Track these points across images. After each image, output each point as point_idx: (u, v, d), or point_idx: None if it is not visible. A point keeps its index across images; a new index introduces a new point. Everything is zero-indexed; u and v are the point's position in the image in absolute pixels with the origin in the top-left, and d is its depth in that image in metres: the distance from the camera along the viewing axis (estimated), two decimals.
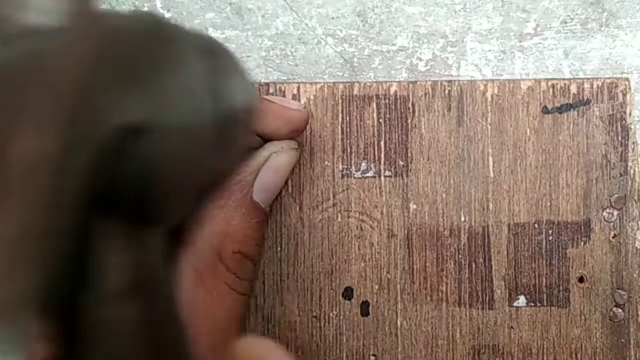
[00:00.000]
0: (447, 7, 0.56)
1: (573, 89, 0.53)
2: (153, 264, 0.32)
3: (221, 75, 0.36)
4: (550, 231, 0.53)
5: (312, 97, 0.54)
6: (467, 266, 0.53)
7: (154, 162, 0.29)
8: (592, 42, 0.55)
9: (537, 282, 0.53)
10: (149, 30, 0.31)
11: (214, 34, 0.56)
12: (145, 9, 0.56)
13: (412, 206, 0.53)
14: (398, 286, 0.53)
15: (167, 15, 0.56)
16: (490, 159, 0.53)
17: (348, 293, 0.53)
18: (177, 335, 0.33)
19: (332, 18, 0.56)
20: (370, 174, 0.53)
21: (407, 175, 0.53)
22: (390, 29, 0.56)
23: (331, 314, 0.53)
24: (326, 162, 0.53)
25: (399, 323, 0.53)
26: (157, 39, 0.31)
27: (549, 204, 0.53)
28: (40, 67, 0.24)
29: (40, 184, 0.23)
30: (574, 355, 0.53)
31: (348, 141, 0.53)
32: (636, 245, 0.53)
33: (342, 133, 0.53)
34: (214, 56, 0.36)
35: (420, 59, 0.56)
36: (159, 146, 0.29)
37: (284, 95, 0.54)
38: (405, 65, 0.56)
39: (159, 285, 0.33)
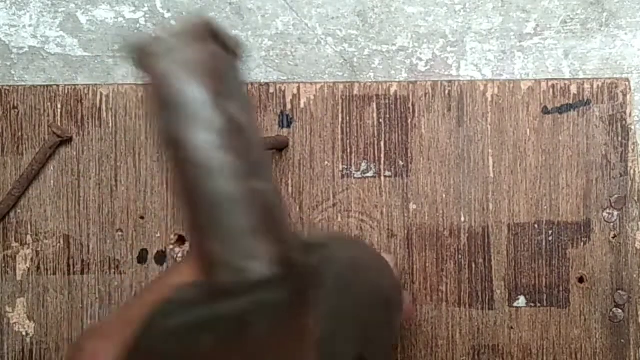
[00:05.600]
0: (447, 7, 0.56)
1: (573, 89, 0.53)
2: None
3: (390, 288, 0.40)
4: (550, 231, 0.53)
5: (312, 97, 0.53)
6: (467, 266, 0.53)
7: None
8: (592, 42, 0.55)
9: (537, 282, 0.53)
10: (352, 263, 0.35)
11: None
12: (145, 9, 0.56)
13: (412, 206, 0.53)
14: None
15: (167, 15, 0.56)
16: (491, 159, 0.53)
17: None
18: None
19: (332, 18, 0.56)
20: (370, 174, 0.53)
21: (407, 176, 0.53)
22: (390, 29, 0.56)
23: None
24: (326, 162, 0.53)
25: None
26: (358, 271, 0.35)
27: (549, 204, 0.53)
28: (278, 321, 0.28)
29: None
30: (573, 356, 0.53)
31: (348, 141, 0.53)
32: (636, 245, 0.52)
33: (342, 133, 0.53)
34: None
35: (420, 59, 0.56)
36: None
37: (284, 96, 0.54)
38: (405, 65, 0.56)
39: None
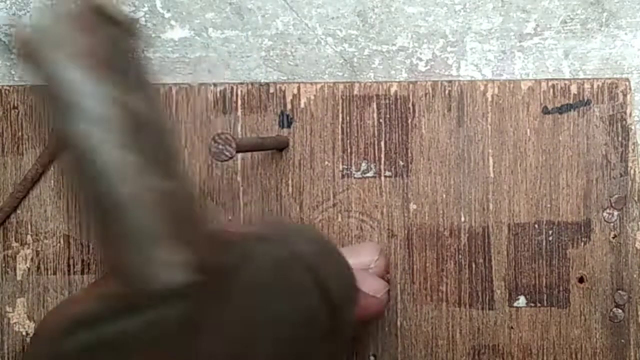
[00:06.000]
0: (447, 7, 0.56)
1: (573, 89, 0.53)
2: None
3: (326, 277, 0.37)
4: (550, 231, 0.53)
5: (312, 97, 0.53)
6: (467, 266, 0.53)
7: None
8: (592, 42, 0.55)
9: (537, 282, 0.53)
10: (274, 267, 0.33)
11: (214, 34, 0.56)
12: (145, 9, 0.56)
13: (412, 206, 0.53)
14: (398, 286, 0.53)
15: (167, 15, 0.56)
16: (491, 159, 0.53)
17: None
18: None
19: (332, 18, 0.56)
20: (370, 174, 0.53)
21: (407, 176, 0.53)
22: (390, 29, 0.56)
23: None
24: (326, 162, 0.53)
25: (399, 323, 0.53)
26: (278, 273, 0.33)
27: (549, 204, 0.53)
28: (154, 340, 0.27)
29: None
30: (574, 356, 0.53)
31: (348, 141, 0.53)
32: (636, 245, 0.52)
33: (343, 133, 0.53)
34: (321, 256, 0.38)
35: (420, 59, 0.56)
36: None
37: (284, 96, 0.54)
38: (405, 65, 0.56)
39: None
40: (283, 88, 0.54)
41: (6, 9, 0.56)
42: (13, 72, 0.56)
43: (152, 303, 0.27)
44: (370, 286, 0.45)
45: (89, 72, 0.25)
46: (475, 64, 0.56)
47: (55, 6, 0.25)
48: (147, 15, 0.56)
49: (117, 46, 0.27)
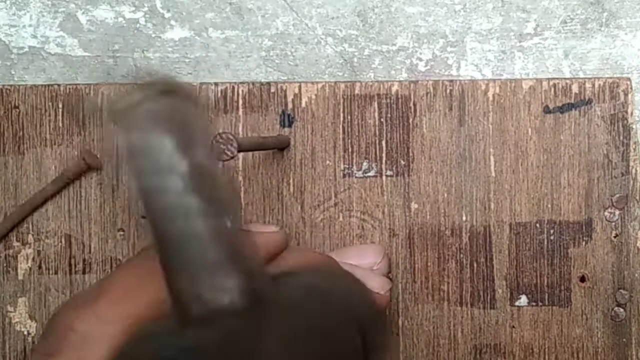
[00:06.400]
0: (447, 7, 0.56)
1: (575, 88, 0.53)
2: None
3: None
4: (551, 231, 0.53)
5: (313, 97, 0.53)
6: (468, 266, 0.53)
7: None
8: (592, 42, 0.56)
9: (538, 281, 0.53)
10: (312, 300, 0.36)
11: (213, 34, 0.56)
12: (145, 9, 0.56)
13: (414, 206, 0.53)
14: (400, 285, 0.53)
15: (167, 15, 0.56)
16: (492, 158, 0.53)
17: None
18: None
19: (332, 18, 0.56)
20: (371, 173, 0.53)
21: (408, 175, 0.53)
22: (390, 29, 0.56)
23: None
24: (327, 162, 0.53)
25: (400, 322, 0.53)
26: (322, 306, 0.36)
27: (550, 203, 0.53)
28: (241, 349, 0.30)
29: None
30: (575, 355, 0.53)
31: (349, 140, 0.53)
32: (638, 244, 0.53)
33: (344, 132, 0.53)
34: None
35: (420, 59, 0.56)
36: None
37: (285, 95, 0.54)
38: (405, 65, 0.56)
39: None
40: (284, 87, 0.53)
41: (6, 9, 0.56)
42: (13, 72, 0.56)
43: (214, 320, 0.31)
44: (374, 283, 0.46)
45: (161, 128, 0.31)
46: (475, 64, 0.56)
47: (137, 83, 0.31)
48: (147, 15, 0.56)
49: (184, 111, 0.32)
